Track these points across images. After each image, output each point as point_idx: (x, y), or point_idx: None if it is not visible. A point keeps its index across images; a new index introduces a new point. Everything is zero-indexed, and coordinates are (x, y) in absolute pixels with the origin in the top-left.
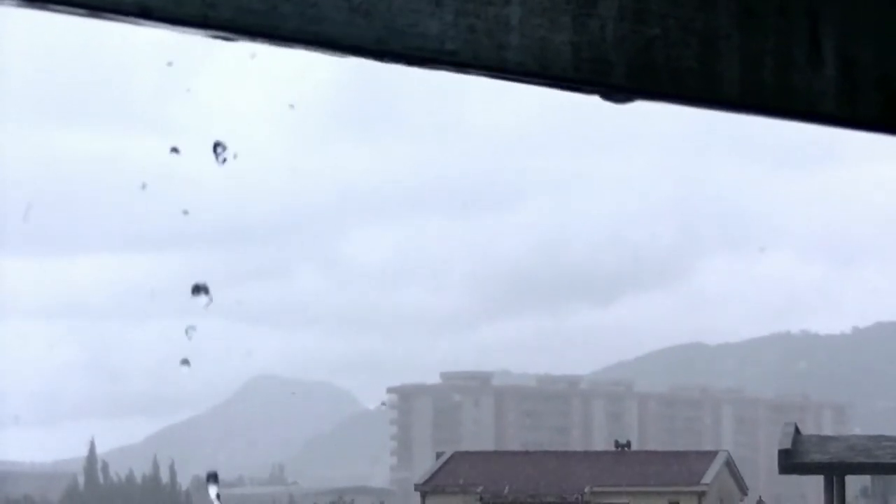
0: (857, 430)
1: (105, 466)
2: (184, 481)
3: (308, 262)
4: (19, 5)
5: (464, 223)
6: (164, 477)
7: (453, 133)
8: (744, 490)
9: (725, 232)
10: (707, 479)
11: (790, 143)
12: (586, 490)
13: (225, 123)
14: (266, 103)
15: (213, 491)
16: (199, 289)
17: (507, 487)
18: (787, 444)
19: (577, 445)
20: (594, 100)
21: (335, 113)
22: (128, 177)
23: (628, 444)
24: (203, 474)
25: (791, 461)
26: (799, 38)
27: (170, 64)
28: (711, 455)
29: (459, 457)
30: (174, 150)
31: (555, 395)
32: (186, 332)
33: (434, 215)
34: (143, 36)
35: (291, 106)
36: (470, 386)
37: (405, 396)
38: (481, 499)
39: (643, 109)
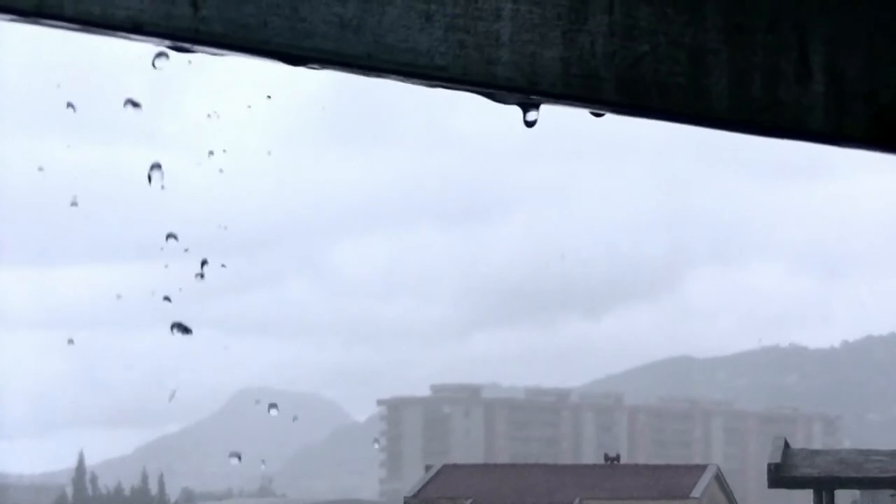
0: (847, 444)
1: (94, 478)
2: (172, 493)
3: (297, 272)
4: (12, 20)
5: (454, 234)
6: (153, 489)
7: (443, 143)
8: (733, 503)
9: (715, 244)
10: (696, 492)
11: (780, 155)
12: (575, 503)
13: (215, 134)
14: (256, 113)
15: None
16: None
17: (496, 500)
18: (777, 458)
19: (566, 458)
20: (585, 112)
21: (325, 123)
22: (116, 188)
23: (618, 457)
24: (192, 486)
25: (780, 475)
26: (787, 53)
27: (156, 70)
28: (701, 468)
29: (449, 469)
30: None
31: (544, 407)
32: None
33: (424, 226)
34: (134, 48)
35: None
36: (459, 398)
37: (394, 408)
38: None
39: (634, 120)
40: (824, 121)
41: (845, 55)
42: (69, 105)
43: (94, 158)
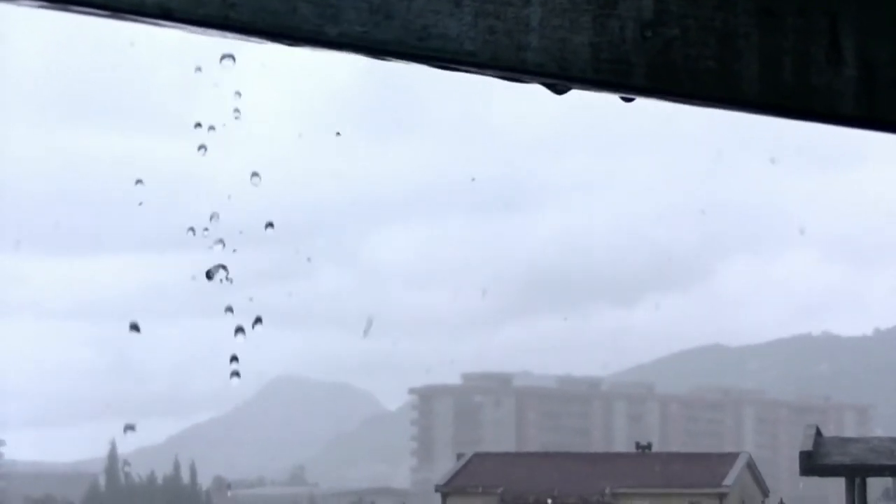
0: (879, 432)
1: (126, 466)
2: (205, 482)
3: (330, 262)
4: (42, 6)
5: (486, 223)
6: (185, 477)
7: (476, 133)
8: (765, 492)
9: (747, 233)
10: (728, 480)
11: (813, 144)
12: (607, 491)
13: (247, 124)
14: (289, 103)
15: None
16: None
17: (527, 489)
18: (809, 446)
19: (597, 447)
20: (616, 99)
21: (356, 111)
22: (150, 176)
23: (649, 446)
24: (224, 474)
25: (812, 463)
26: (818, 37)
27: (198, 69)
28: (733, 457)
29: (480, 458)
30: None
31: (576, 396)
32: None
33: (456, 216)
34: (165, 35)
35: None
36: (491, 387)
37: (426, 397)
38: (502, 500)
39: (665, 108)
40: (855, 106)
41: (876, 40)
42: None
43: (129, 147)
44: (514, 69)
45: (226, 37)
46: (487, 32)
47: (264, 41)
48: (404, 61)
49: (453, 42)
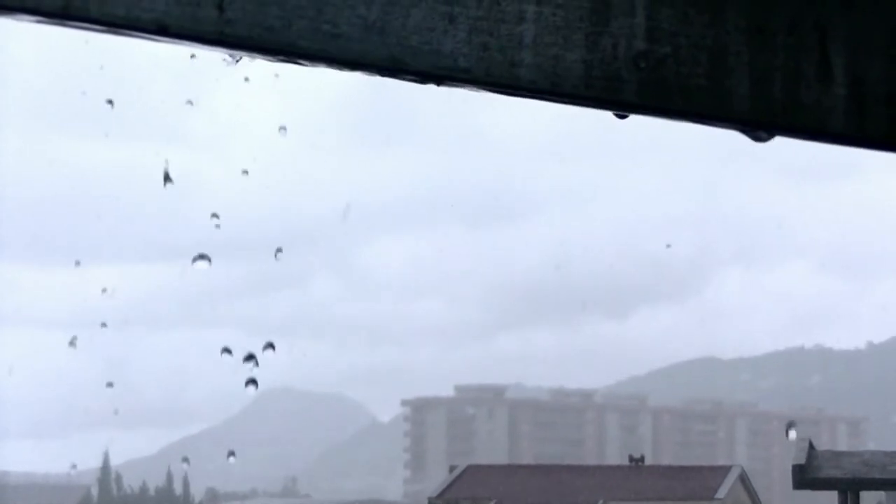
0: (872, 445)
1: (119, 478)
2: (197, 493)
3: (323, 273)
4: (39, 21)
5: (479, 235)
6: (178, 489)
7: (469, 144)
8: None
9: (741, 245)
10: (721, 493)
11: (807, 156)
12: (599, 503)
13: (240, 134)
14: (282, 114)
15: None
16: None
17: (520, 501)
18: (801, 460)
19: (590, 459)
20: (608, 112)
21: (351, 123)
22: (143, 187)
23: (642, 458)
24: (216, 486)
25: (805, 476)
26: (808, 55)
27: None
28: (725, 469)
29: (473, 470)
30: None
31: (569, 408)
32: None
33: (449, 227)
34: (160, 49)
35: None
36: (484, 398)
37: (419, 409)
38: None
39: (661, 120)
40: (845, 123)
41: (866, 57)
42: (109, 101)
43: (123, 158)
44: (507, 86)
45: (221, 52)
46: (481, 49)
47: (260, 57)
48: (398, 77)
49: (447, 58)
